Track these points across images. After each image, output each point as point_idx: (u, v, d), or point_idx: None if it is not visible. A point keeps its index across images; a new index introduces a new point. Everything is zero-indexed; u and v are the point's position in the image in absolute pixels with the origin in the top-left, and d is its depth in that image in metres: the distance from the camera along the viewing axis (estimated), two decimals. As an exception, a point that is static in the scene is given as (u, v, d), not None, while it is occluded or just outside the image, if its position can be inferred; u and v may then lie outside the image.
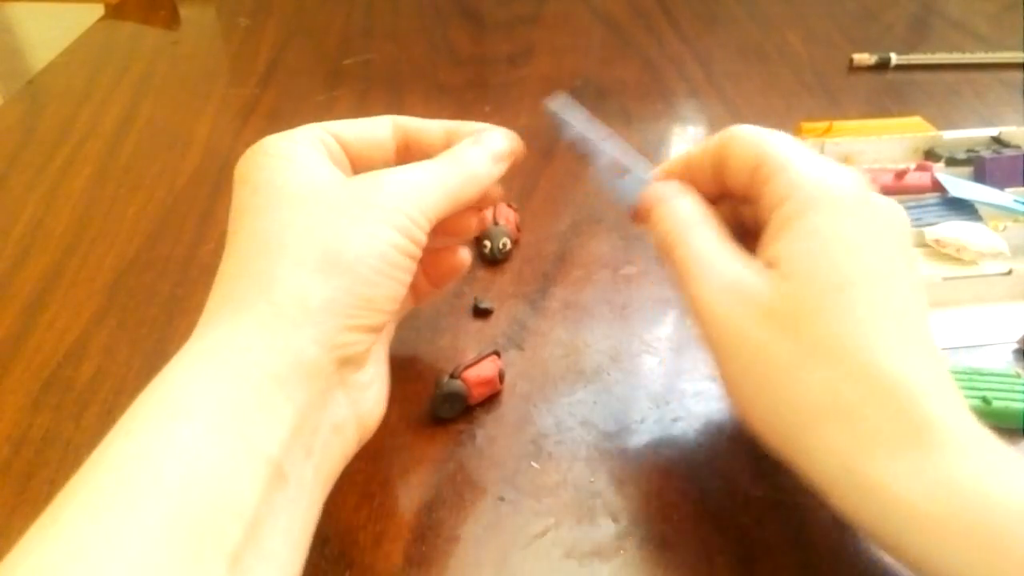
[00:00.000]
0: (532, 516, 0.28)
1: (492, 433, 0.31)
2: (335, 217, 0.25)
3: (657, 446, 0.29)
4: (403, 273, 0.26)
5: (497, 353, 0.33)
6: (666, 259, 0.28)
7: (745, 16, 0.72)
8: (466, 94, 0.59)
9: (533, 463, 0.30)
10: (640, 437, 0.31)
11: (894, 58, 0.61)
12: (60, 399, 0.33)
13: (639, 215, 0.29)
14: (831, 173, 0.25)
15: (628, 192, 0.30)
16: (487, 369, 0.32)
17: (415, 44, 0.67)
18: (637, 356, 0.35)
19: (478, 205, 0.32)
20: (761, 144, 0.27)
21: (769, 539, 0.24)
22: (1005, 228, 0.40)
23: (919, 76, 0.60)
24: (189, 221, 0.45)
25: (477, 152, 0.29)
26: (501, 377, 0.33)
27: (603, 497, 0.29)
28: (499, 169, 0.29)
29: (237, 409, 0.21)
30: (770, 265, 0.25)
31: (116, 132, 0.54)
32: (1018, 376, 0.32)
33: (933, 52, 0.62)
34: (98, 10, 0.74)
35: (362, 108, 0.57)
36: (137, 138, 0.54)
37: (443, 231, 0.30)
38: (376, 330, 0.25)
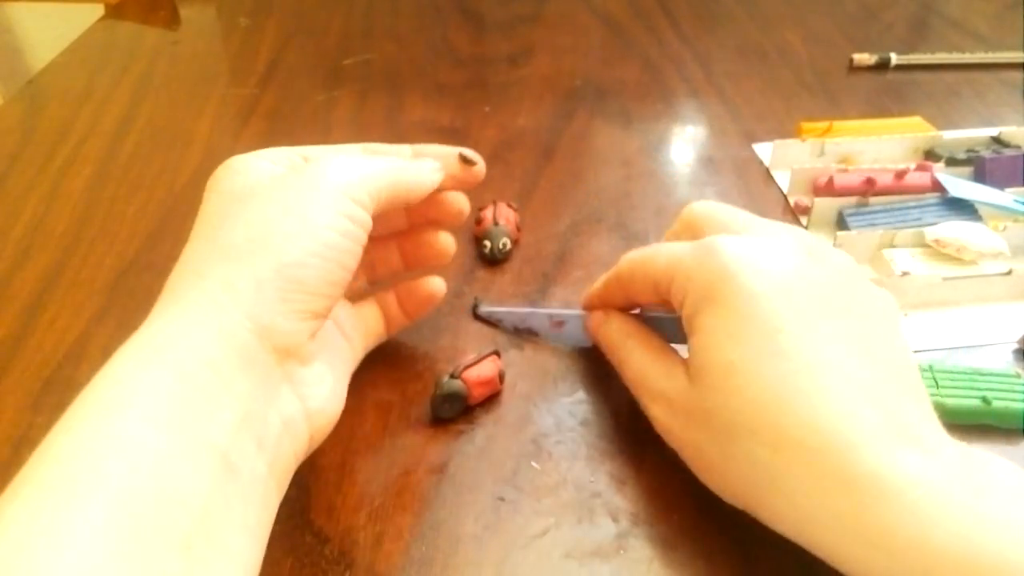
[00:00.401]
0: (532, 516, 0.28)
1: (492, 433, 0.31)
2: (266, 205, 0.26)
3: (657, 446, 0.29)
4: (342, 255, 0.26)
5: (497, 353, 0.33)
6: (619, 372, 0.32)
7: (745, 16, 0.72)
8: (466, 94, 0.59)
9: (533, 463, 0.30)
10: (640, 437, 0.31)
11: (894, 58, 0.61)
12: (60, 399, 0.33)
13: (593, 338, 0.34)
14: (713, 269, 0.26)
15: (572, 334, 0.35)
16: (487, 369, 0.32)
17: (415, 44, 0.67)
18: (637, 356, 0.35)
19: (443, 218, 0.33)
20: (651, 265, 0.29)
21: (769, 539, 0.24)
22: (1005, 228, 0.40)
23: (919, 76, 0.60)
24: (189, 221, 0.44)
25: (415, 159, 0.31)
26: (501, 377, 0.33)
27: (603, 497, 0.29)
28: (435, 175, 0.31)
29: (174, 398, 0.21)
30: (685, 366, 0.28)
31: (116, 132, 0.54)
32: (1018, 376, 0.32)
33: (933, 52, 0.62)
34: (98, 10, 0.74)
35: (362, 108, 0.57)
36: (137, 138, 0.54)
37: (416, 255, 0.34)
38: (315, 316, 0.26)
